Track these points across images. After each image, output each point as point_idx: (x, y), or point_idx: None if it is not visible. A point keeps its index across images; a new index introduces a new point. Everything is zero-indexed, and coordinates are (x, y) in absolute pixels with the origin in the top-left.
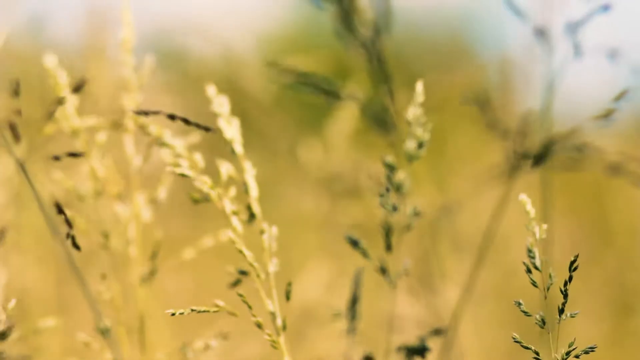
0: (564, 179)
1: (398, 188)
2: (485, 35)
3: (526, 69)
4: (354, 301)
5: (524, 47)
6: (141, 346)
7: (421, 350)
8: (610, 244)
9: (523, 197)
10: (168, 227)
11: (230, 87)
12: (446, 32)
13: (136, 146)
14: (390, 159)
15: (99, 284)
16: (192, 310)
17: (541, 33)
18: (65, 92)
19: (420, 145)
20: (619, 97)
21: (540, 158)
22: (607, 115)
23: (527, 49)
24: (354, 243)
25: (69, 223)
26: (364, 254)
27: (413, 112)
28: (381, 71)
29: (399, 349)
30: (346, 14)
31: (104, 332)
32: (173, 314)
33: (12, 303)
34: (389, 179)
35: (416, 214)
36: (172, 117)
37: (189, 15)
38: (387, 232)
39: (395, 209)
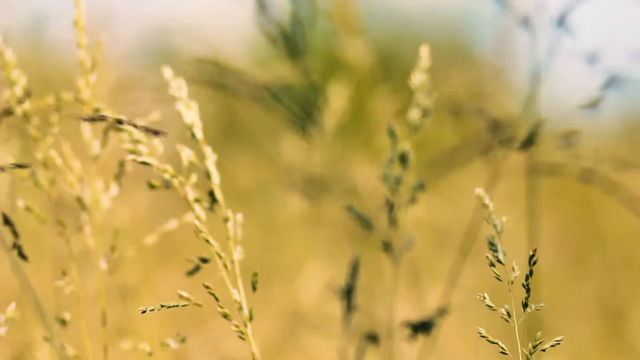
0: (552, 183)
1: (402, 159)
2: (484, 34)
3: (513, 60)
4: (349, 288)
5: (510, 38)
6: (104, 338)
7: (427, 325)
8: (600, 247)
9: (479, 190)
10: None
11: (221, 89)
12: (445, 32)
13: (93, 132)
14: (395, 128)
15: (60, 279)
16: (162, 306)
17: (525, 23)
18: (14, 72)
19: (425, 113)
20: (607, 84)
21: (527, 143)
22: (593, 104)
23: (513, 40)
24: (357, 215)
25: (15, 234)
26: (367, 225)
27: (418, 78)
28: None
29: (403, 324)
30: (262, 7)
31: (62, 323)
32: (143, 312)
33: (11, 307)
34: (393, 149)
35: (420, 186)
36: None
37: (185, 17)
38: (391, 206)
39: (398, 181)
